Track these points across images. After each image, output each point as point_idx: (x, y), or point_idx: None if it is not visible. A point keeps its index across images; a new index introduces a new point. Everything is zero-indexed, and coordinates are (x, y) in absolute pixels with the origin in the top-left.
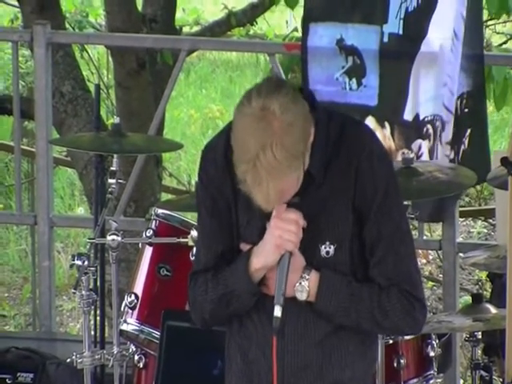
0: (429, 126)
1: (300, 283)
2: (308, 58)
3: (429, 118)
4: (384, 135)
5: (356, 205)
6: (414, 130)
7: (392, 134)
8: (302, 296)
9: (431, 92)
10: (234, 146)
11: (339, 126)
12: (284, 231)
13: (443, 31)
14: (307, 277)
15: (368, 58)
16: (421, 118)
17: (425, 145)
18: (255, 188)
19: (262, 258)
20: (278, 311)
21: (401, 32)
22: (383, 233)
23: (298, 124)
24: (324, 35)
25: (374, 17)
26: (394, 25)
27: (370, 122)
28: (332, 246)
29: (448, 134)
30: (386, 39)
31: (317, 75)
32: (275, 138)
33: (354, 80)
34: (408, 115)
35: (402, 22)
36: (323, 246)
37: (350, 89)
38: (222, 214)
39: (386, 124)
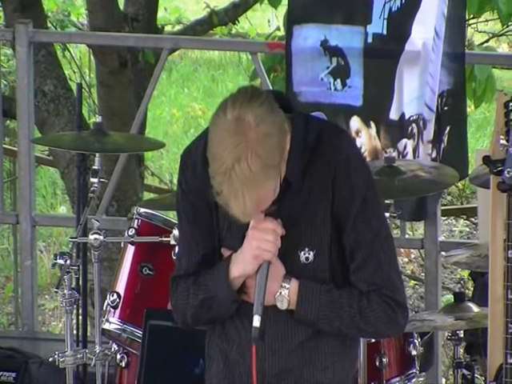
0: (413, 125)
1: (280, 293)
2: (292, 60)
3: (414, 118)
4: (370, 135)
5: (334, 211)
6: (399, 130)
7: (378, 133)
8: (282, 305)
9: (416, 91)
10: (209, 158)
11: (317, 132)
12: (261, 241)
13: (425, 30)
14: (287, 286)
15: (352, 58)
16: (406, 117)
17: (410, 144)
18: (231, 200)
19: (240, 266)
20: (256, 321)
21: (385, 32)
22: (362, 240)
23: (274, 134)
24: (308, 36)
25: (357, 17)
26: (377, 25)
27: (356, 121)
28: (311, 252)
29: (429, 133)
30: (370, 39)
31: (301, 77)
32: (250, 149)
33: (338, 80)
34: (394, 115)
35: (385, 22)
36: (302, 252)
37: (335, 89)
38: (203, 219)
39: (372, 124)
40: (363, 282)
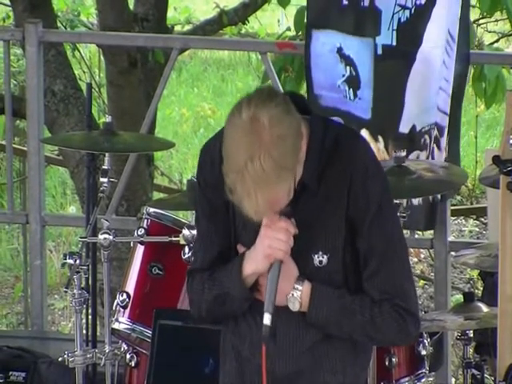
0: (426, 137)
1: (292, 294)
2: (311, 63)
3: (426, 129)
4: (378, 149)
5: (349, 216)
6: (410, 142)
7: (386, 147)
8: (294, 307)
9: (427, 101)
10: (224, 155)
11: (334, 136)
12: (273, 240)
13: (437, 37)
14: (300, 288)
15: (363, 70)
16: (417, 129)
17: (423, 155)
18: (244, 198)
19: (252, 264)
20: (267, 319)
21: (394, 43)
22: (376, 247)
23: (289, 137)
24: (326, 42)
25: (366, 28)
26: (386, 36)
27: (365, 134)
28: (325, 256)
29: (445, 139)
30: (379, 51)
31: (320, 81)
32: (264, 149)
33: (351, 90)
34: (403, 128)
35: (395, 33)
36: (316, 256)
37: (349, 98)
38: (219, 215)
39: (380, 138)
40: (376, 290)
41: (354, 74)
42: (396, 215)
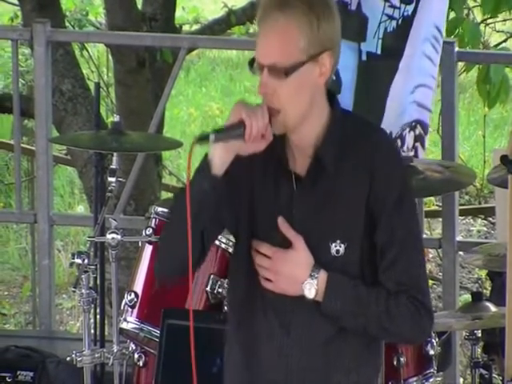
0: (398, 141)
1: (309, 281)
2: None
3: (399, 133)
4: None
5: (369, 206)
6: None
7: None
8: (310, 294)
9: (402, 105)
10: None
11: (356, 124)
12: (247, 107)
13: (418, 41)
14: (316, 275)
15: (345, 73)
16: (393, 135)
17: None
18: (261, 23)
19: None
20: (212, 137)
21: (379, 52)
22: (395, 237)
23: (330, 18)
24: None
25: (352, 33)
26: (371, 44)
27: None
28: (342, 245)
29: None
30: (364, 57)
31: None
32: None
33: None
34: None
35: (380, 41)
36: (334, 244)
37: None
38: (234, 187)
39: None
40: (392, 282)
41: (333, 77)
42: (415, 208)
